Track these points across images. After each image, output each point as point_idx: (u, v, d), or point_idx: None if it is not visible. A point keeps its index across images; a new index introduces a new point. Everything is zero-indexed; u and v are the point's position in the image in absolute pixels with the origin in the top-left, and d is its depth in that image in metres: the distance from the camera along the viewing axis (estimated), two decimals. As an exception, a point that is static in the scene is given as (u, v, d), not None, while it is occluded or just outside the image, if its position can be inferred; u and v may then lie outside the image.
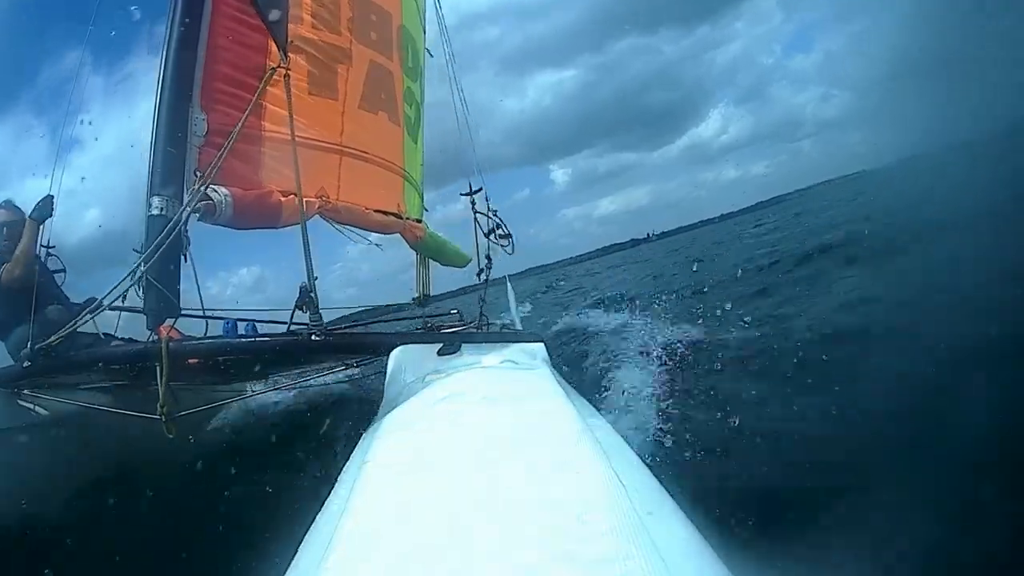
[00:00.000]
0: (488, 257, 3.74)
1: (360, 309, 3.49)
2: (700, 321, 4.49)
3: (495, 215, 3.73)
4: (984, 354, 2.16)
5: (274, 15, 2.35)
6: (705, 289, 6.45)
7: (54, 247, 2.81)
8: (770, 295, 5.28)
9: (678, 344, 3.93)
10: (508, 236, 3.78)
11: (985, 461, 1.60)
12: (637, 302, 6.45)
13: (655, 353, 3.82)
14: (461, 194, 3.78)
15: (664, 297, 6.26)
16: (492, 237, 3.72)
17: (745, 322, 4.18)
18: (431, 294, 4.24)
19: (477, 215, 3.73)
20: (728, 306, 4.75)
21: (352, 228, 3.21)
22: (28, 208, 2.66)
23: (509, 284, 3.85)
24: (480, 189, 3.76)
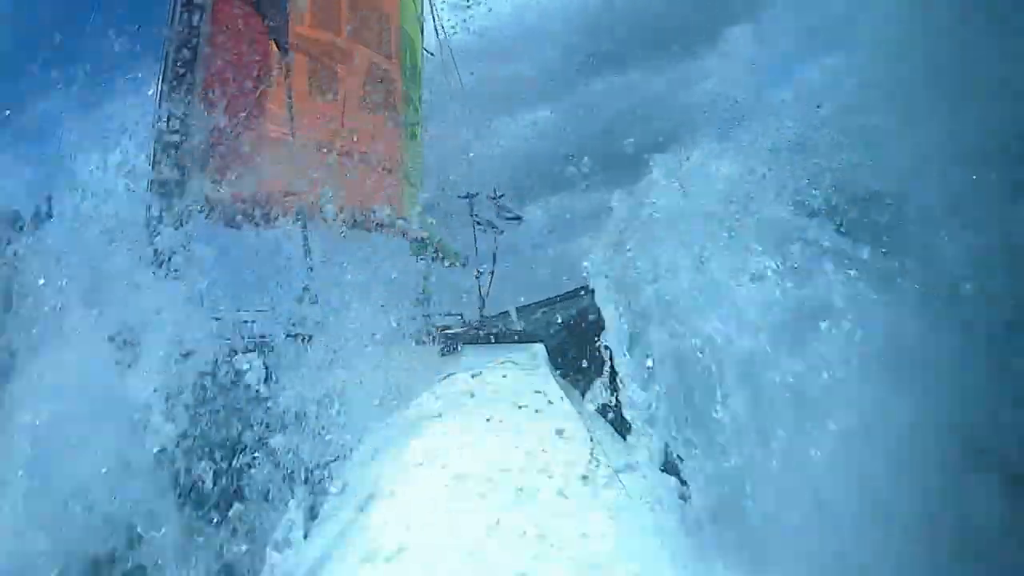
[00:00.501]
0: (493, 256, 3.76)
1: (362, 306, 3.49)
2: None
3: (498, 201, 3.77)
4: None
5: (275, 17, 2.36)
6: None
7: None
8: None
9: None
10: (518, 218, 3.84)
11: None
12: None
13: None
14: (458, 196, 3.80)
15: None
16: (490, 229, 3.77)
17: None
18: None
19: (475, 215, 3.75)
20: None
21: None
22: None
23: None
24: (477, 193, 3.79)
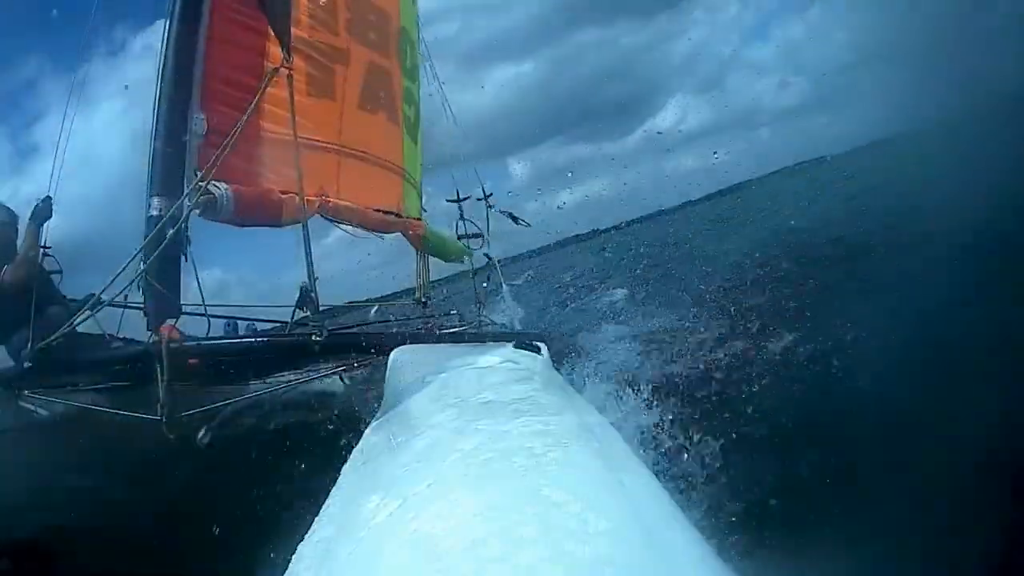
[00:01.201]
0: (488, 256, 3.77)
1: (362, 302, 3.51)
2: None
3: (488, 201, 3.79)
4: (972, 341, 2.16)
5: (279, 15, 2.35)
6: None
7: (50, 248, 2.81)
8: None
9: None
10: (523, 221, 3.87)
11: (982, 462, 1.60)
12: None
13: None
14: (447, 200, 3.83)
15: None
16: (478, 242, 3.79)
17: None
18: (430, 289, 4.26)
19: (464, 219, 3.78)
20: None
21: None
22: (23, 209, 2.66)
23: (505, 285, 3.88)
24: (467, 197, 3.81)
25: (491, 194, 3.83)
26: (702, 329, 4.11)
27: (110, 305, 2.31)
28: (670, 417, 2.72)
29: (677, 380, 3.30)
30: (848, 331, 2.98)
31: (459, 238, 3.76)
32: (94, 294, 2.31)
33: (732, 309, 4.32)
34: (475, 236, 3.80)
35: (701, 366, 3.48)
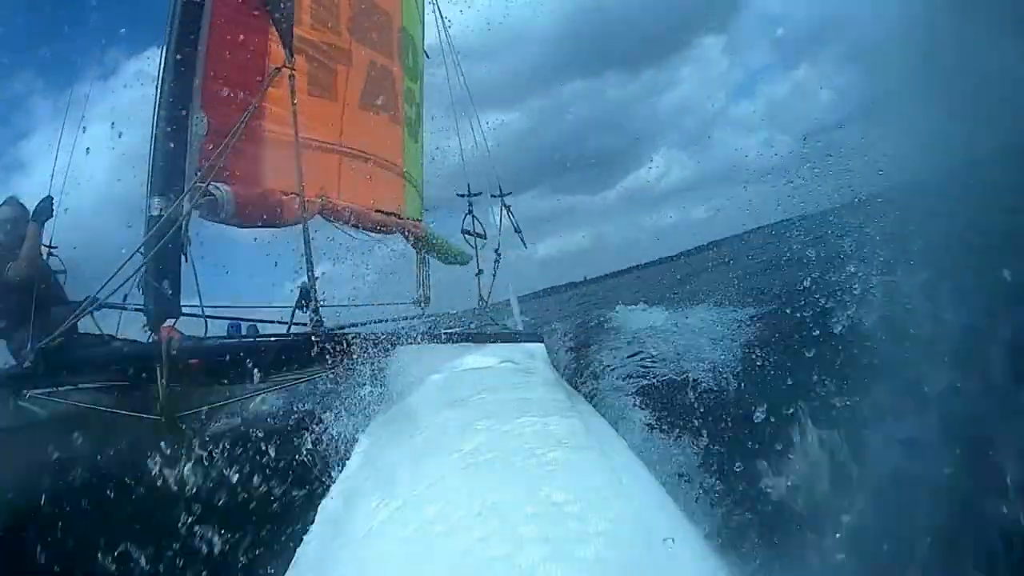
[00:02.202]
0: (497, 251, 3.76)
1: (362, 305, 3.50)
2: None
3: (509, 211, 3.76)
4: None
5: (282, 15, 2.36)
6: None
7: (55, 248, 2.81)
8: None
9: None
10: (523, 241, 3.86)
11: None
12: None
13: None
14: (458, 194, 3.80)
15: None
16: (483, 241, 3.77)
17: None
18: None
19: (473, 218, 3.76)
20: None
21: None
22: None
23: (511, 287, 3.88)
24: (480, 193, 3.78)
25: (510, 192, 3.81)
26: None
27: (111, 307, 2.31)
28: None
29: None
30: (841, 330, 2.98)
31: (464, 233, 3.72)
32: (97, 299, 2.31)
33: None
34: (479, 235, 3.76)
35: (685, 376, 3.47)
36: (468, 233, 3.74)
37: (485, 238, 3.83)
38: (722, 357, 4.01)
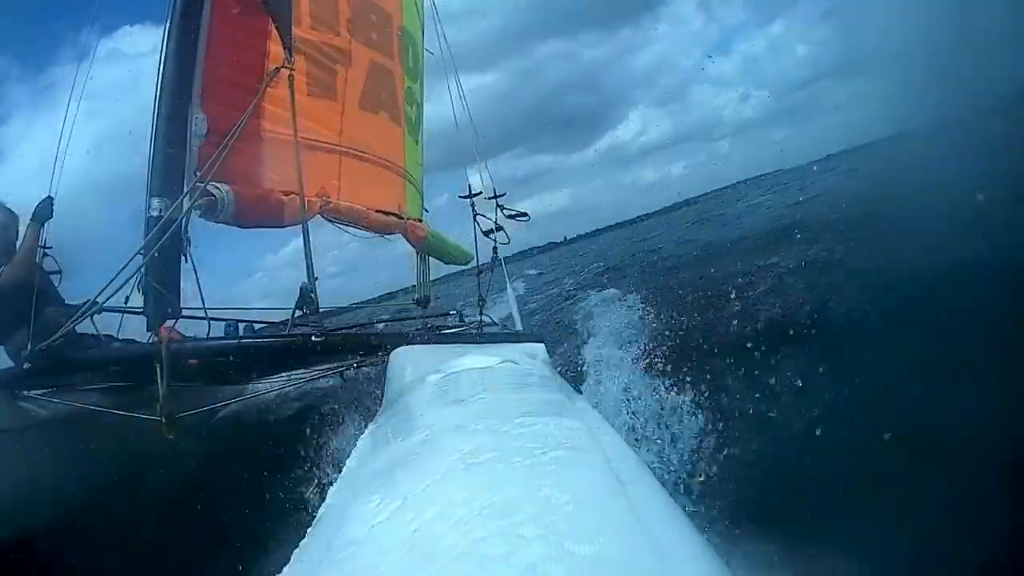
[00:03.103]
0: (495, 250, 3.73)
1: (360, 304, 3.50)
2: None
3: (499, 201, 3.72)
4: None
5: (282, 14, 2.36)
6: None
7: (51, 248, 2.80)
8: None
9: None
10: (524, 215, 3.81)
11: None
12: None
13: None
14: (459, 196, 3.77)
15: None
16: (492, 236, 3.71)
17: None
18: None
19: (476, 216, 3.72)
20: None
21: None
22: (23, 210, 2.65)
23: (510, 286, 3.87)
24: (480, 192, 3.75)
25: (504, 194, 3.77)
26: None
27: (111, 310, 2.30)
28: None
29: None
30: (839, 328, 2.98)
31: (485, 234, 3.69)
32: (97, 301, 2.30)
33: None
34: (499, 229, 3.72)
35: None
36: (488, 233, 3.68)
37: (508, 239, 3.76)
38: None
